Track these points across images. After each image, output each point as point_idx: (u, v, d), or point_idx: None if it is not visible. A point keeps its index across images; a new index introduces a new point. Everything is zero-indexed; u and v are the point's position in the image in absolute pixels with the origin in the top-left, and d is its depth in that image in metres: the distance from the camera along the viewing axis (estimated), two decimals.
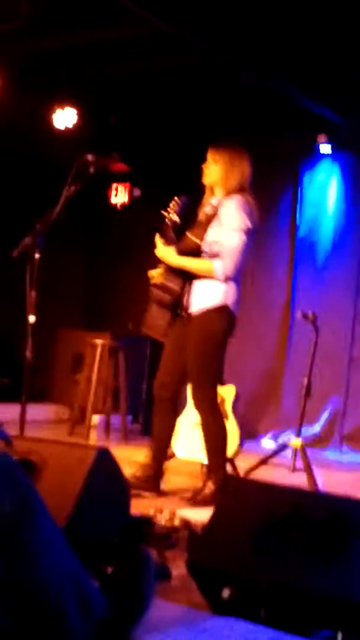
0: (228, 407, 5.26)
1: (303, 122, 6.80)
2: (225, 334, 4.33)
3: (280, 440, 6.80)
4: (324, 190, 7.19)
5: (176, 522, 3.28)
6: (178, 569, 2.77)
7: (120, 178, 6.95)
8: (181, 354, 4.32)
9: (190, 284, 4.27)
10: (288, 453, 5.39)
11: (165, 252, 4.24)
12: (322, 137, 6.90)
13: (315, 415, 6.73)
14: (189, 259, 4.23)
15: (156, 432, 4.54)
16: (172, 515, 3.34)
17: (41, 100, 6.67)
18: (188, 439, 5.26)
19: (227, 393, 5.31)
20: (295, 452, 5.27)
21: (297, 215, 7.22)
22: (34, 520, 1.75)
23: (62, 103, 6.77)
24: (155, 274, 4.36)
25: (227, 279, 4.25)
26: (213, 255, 4.21)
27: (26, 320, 4.17)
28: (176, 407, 4.52)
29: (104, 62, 6.29)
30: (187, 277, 4.27)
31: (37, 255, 4.17)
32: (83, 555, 1.97)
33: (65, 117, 6.81)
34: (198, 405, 4.36)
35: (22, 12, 5.28)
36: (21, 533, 1.73)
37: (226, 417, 5.24)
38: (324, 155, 7.09)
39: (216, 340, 4.27)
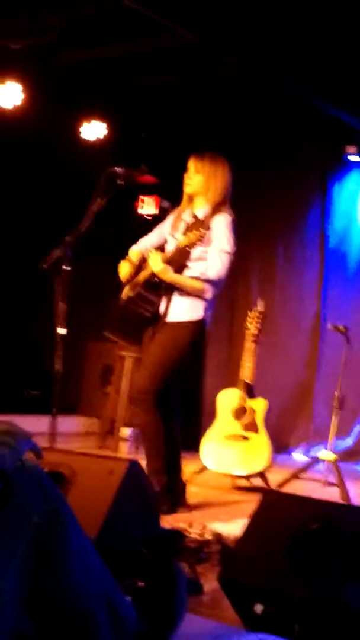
0: (259, 420, 5.23)
1: (331, 131, 6.76)
2: (194, 345, 4.31)
3: (312, 453, 6.73)
4: (353, 199, 7.14)
5: (207, 536, 3.24)
6: (210, 583, 2.74)
7: (149, 190, 6.96)
8: None
9: (168, 295, 4.24)
10: (320, 466, 5.33)
11: (163, 268, 4.17)
12: (350, 147, 6.85)
13: (348, 428, 6.65)
14: (184, 277, 4.20)
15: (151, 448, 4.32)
16: (203, 528, 3.30)
17: (70, 113, 6.71)
18: (218, 451, 5.24)
19: (258, 406, 5.28)
20: (327, 465, 5.21)
21: (327, 225, 7.17)
22: (64, 532, 1.73)
23: (91, 116, 6.80)
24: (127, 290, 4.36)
25: (209, 297, 4.27)
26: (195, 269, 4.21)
27: (56, 332, 4.18)
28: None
29: (132, 74, 6.30)
30: (166, 290, 4.24)
31: (66, 268, 4.17)
32: (113, 569, 1.94)
33: (94, 130, 6.84)
34: (142, 403, 4.20)
35: (52, 26, 5.32)
36: (52, 545, 1.71)
37: (257, 430, 5.21)
38: (352, 165, 7.04)
39: (184, 348, 4.25)
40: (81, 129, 6.81)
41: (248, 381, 5.31)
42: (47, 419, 4.20)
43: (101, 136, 6.84)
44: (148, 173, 4.31)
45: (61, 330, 4.17)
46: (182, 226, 4.37)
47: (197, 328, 4.26)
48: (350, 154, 6.90)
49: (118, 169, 4.24)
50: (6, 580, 1.63)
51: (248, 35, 5.27)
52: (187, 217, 4.37)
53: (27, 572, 1.67)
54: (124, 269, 4.45)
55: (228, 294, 7.49)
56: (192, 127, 6.83)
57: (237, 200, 7.47)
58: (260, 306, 5.53)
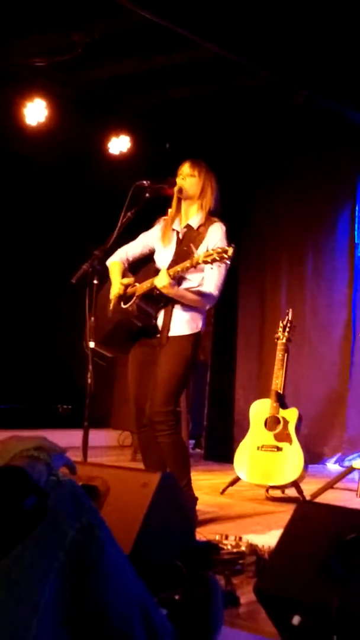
0: (291, 430, 5.21)
1: (359, 139, 6.75)
2: (196, 359, 4.29)
3: (346, 463, 6.68)
4: None
5: (243, 548, 3.22)
6: (246, 595, 2.72)
7: None
8: (148, 377, 4.21)
9: (168, 309, 4.18)
10: (354, 476, 5.29)
11: (169, 283, 4.04)
12: None
13: None
14: (186, 292, 4.14)
15: (154, 460, 4.25)
16: (238, 540, 3.28)
17: (96, 128, 6.75)
18: (252, 462, 5.22)
19: (290, 416, 5.26)
20: None
21: (356, 233, 7.13)
22: (99, 546, 1.73)
23: (117, 129, 6.84)
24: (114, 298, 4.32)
25: (207, 309, 4.26)
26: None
27: (86, 346, 4.19)
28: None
29: (156, 88, 6.34)
30: (164, 303, 4.19)
31: (95, 282, 4.19)
32: (149, 582, 1.94)
33: (120, 144, 6.88)
34: (163, 424, 4.10)
35: (75, 42, 5.36)
36: (87, 560, 1.71)
37: (291, 440, 5.18)
38: None
39: (190, 363, 4.20)
40: (109, 144, 6.86)
41: (280, 391, 5.29)
42: (80, 433, 4.21)
43: (125, 150, 6.88)
44: (175, 185, 4.28)
45: (92, 344, 4.18)
46: (174, 238, 4.28)
47: (197, 340, 4.23)
48: None
49: (145, 182, 4.24)
50: (43, 597, 1.63)
51: (275, 47, 5.29)
52: (178, 227, 4.30)
53: (64, 588, 1.67)
54: (115, 288, 4.31)
55: (258, 304, 7.50)
56: (220, 138, 6.85)
57: (265, 211, 7.53)
58: (290, 316, 5.51)
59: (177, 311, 4.19)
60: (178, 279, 4.12)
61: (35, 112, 6.28)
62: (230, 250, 3.88)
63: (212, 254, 3.87)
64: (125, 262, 4.40)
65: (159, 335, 4.19)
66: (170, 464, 4.16)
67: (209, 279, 4.15)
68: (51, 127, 6.33)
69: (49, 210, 7.57)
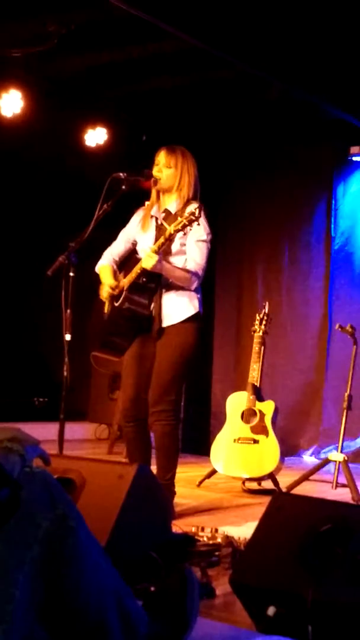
0: (268, 422, 5.22)
1: (335, 133, 6.77)
2: (198, 345, 4.24)
3: (322, 455, 6.71)
4: (358, 200, 7.13)
5: (219, 540, 3.23)
6: (222, 587, 2.73)
7: None
8: (145, 369, 4.20)
9: (157, 299, 4.16)
10: (330, 468, 5.32)
11: (155, 259, 3.97)
12: (355, 148, 6.85)
13: (358, 428, 6.63)
14: (175, 267, 4.10)
15: (142, 454, 4.24)
16: (214, 532, 3.29)
17: (72, 120, 6.71)
18: (228, 455, 5.23)
19: (266, 408, 5.27)
20: (337, 467, 5.20)
21: (332, 226, 7.16)
22: (74, 537, 1.73)
23: (93, 121, 6.81)
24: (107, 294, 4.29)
25: (195, 288, 4.20)
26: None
27: (62, 339, 4.17)
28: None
29: (132, 80, 6.32)
30: (153, 293, 4.16)
31: (71, 274, 4.16)
32: (124, 574, 1.94)
33: (96, 135, 6.85)
34: (162, 415, 4.11)
35: (51, 33, 5.33)
36: (62, 550, 1.70)
37: (267, 433, 5.20)
38: (357, 165, 7.05)
39: (191, 351, 4.18)
40: (85, 136, 6.82)
41: (256, 384, 5.31)
42: (56, 426, 4.19)
43: (101, 142, 6.85)
44: (152, 178, 4.26)
45: (67, 337, 4.16)
46: (152, 223, 4.25)
47: (196, 324, 4.19)
48: (355, 155, 6.91)
49: (121, 175, 4.21)
50: (17, 587, 1.62)
51: (250, 39, 5.28)
52: (156, 214, 4.26)
53: (38, 578, 1.66)
54: (106, 291, 4.30)
55: (234, 296, 7.50)
56: (196, 131, 6.83)
57: (242, 203, 7.52)
58: (267, 308, 5.52)
59: (167, 299, 4.16)
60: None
61: (11, 103, 6.22)
62: (195, 207, 3.86)
63: (181, 221, 3.85)
64: (113, 263, 4.38)
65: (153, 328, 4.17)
66: (162, 454, 4.16)
67: (190, 259, 4.13)
68: (27, 118, 6.27)
69: (25, 202, 7.52)
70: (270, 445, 5.16)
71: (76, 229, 4.28)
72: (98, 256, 4.45)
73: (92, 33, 5.49)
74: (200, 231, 4.11)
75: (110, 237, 4.49)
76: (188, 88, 6.36)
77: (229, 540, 3.21)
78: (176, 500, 4.25)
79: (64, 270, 4.14)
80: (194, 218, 3.83)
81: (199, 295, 4.22)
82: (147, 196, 4.38)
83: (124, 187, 4.21)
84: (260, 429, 5.21)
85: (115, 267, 4.37)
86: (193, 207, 3.91)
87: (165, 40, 5.37)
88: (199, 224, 3.92)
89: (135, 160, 5.18)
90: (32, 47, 5.55)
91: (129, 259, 4.39)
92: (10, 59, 5.80)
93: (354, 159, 6.95)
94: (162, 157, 4.21)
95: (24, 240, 7.62)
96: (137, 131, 7.03)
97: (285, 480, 5.19)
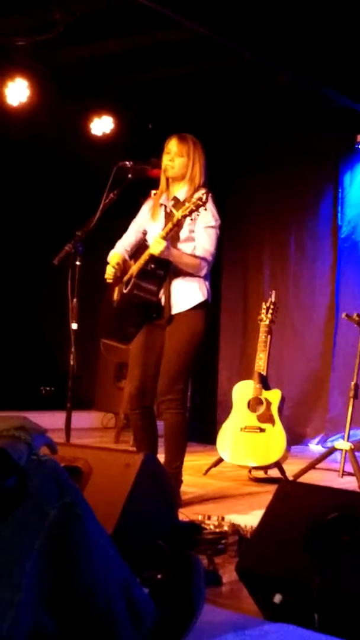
0: (274, 411, 5.23)
1: (342, 120, 6.74)
2: (206, 331, 4.25)
3: (329, 444, 6.72)
4: None
5: (225, 528, 3.23)
6: (228, 574, 2.74)
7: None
8: (153, 358, 4.21)
9: (166, 286, 4.16)
10: (337, 457, 5.32)
11: (164, 245, 3.96)
12: None
13: None
14: (183, 253, 4.10)
15: (148, 442, 4.26)
16: (221, 520, 3.30)
17: (78, 108, 6.70)
18: (235, 443, 5.23)
19: (272, 397, 5.27)
20: (344, 455, 5.20)
21: (339, 215, 7.14)
22: (81, 525, 1.73)
23: (99, 110, 6.79)
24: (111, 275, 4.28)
25: (205, 275, 4.19)
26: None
27: (69, 328, 4.17)
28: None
29: (138, 68, 6.29)
30: (162, 280, 4.16)
31: (78, 263, 4.16)
32: (131, 562, 1.94)
33: (102, 124, 6.83)
34: (172, 403, 4.13)
35: (57, 21, 5.31)
36: (69, 538, 1.71)
37: (273, 421, 5.20)
38: None
39: (199, 339, 4.19)
40: (91, 125, 6.81)
41: (263, 373, 5.31)
42: (63, 415, 4.20)
43: (108, 131, 6.84)
44: (158, 166, 4.25)
45: (74, 326, 4.17)
46: (162, 212, 4.25)
47: (204, 311, 4.19)
48: None
49: (128, 163, 4.21)
50: (24, 576, 1.63)
51: (257, 27, 5.26)
52: (165, 202, 4.26)
53: (45, 567, 1.67)
54: (109, 270, 4.31)
55: (241, 285, 7.50)
56: (203, 119, 6.81)
57: (248, 192, 7.50)
58: (273, 298, 5.52)
59: (176, 285, 4.16)
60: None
61: (17, 91, 6.21)
62: (202, 192, 3.85)
63: (189, 206, 3.85)
64: (124, 253, 4.39)
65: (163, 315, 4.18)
66: (171, 443, 4.17)
67: (199, 245, 4.13)
68: (33, 107, 6.27)
69: (31, 191, 7.53)
70: (276, 434, 5.16)
71: (82, 217, 4.28)
72: (104, 245, 4.45)
73: (98, 21, 5.47)
74: (208, 217, 4.10)
75: (116, 225, 4.49)
76: (194, 76, 6.34)
77: (235, 529, 3.21)
78: (183, 488, 4.26)
79: (70, 259, 4.15)
80: (201, 203, 3.83)
81: (207, 282, 4.22)
82: (154, 184, 4.38)
83: (130, 175, 4.22)
84: (267, 418, 5.21)
85: (126, 256, 4.37)
86: (200, 192, 3.91)
87: (171, 29, 5.34)
88: (206, 209, 3.92)
89: (141, 149, 5.17)
90: (38, 36, 5.53)
91: (140, 250, 4.39)
92: (16, 47, 5.79)
93: None
94: (173, 145, 4.19)
95: (30, 229, 7.63)
96: (143, 120, 7.01)
97: (291, 468, 5.20)
